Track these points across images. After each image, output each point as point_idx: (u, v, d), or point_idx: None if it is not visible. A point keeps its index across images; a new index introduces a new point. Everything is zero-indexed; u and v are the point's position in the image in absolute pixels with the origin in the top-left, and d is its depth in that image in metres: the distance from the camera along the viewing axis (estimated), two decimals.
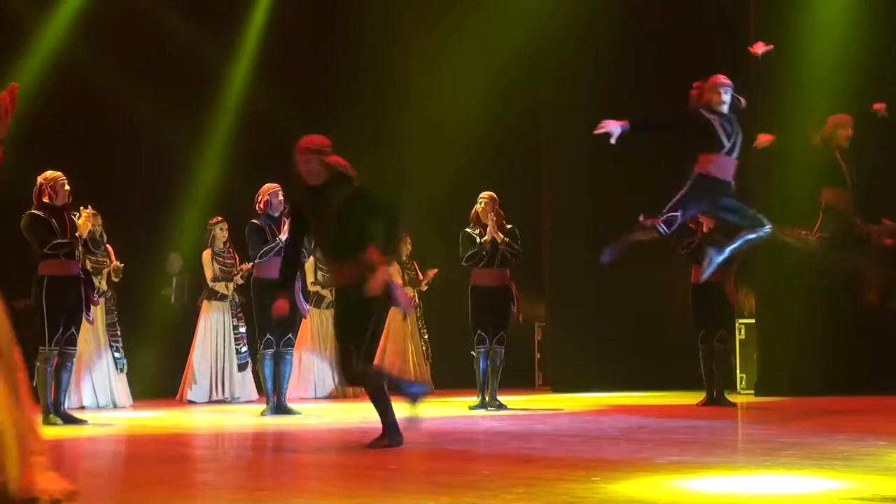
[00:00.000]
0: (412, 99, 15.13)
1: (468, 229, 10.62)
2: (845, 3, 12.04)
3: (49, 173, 9.38)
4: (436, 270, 13.53)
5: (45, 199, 9.29)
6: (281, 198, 10.55)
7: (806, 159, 11.89)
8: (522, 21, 14.09)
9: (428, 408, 11.25)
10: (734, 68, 13.12)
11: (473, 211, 10.66)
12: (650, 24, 13.74)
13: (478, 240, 10.50)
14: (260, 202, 10.54)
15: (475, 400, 10.77)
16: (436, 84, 15.02)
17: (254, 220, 10.54)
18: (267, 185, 10.64)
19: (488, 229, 10.43)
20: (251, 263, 10.85)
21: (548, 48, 14.07)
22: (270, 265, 10.33)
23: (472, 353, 10.57)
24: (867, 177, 11.83)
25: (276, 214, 10.53)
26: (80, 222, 9.47)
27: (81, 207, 9.88)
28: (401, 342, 13.66)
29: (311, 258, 12.91)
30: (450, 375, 13.94)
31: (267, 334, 10.37)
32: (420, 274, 13.68)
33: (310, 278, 12.90)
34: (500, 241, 10.43)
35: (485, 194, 10.69)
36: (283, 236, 10.30)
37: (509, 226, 10.55)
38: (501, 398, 10.59)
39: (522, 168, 14.26)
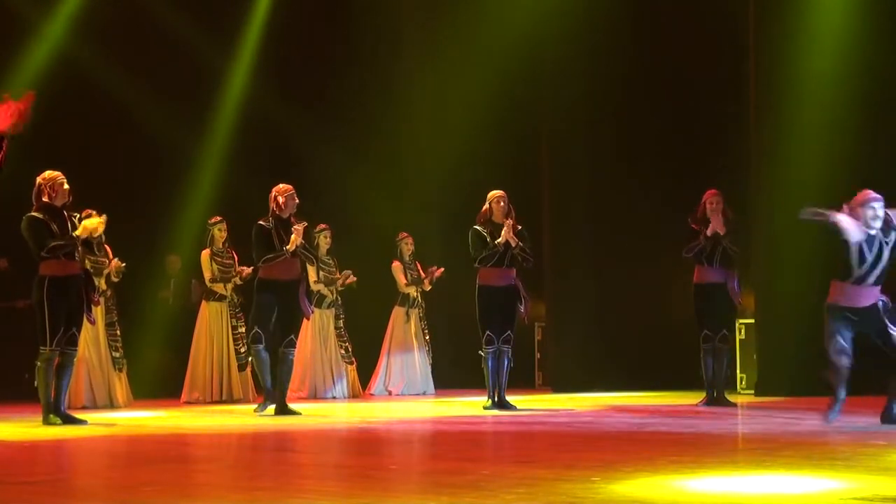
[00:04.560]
0: (412, 99, 15.12)
1: (478, 227, 10.53)
2: (845, 14, 12.01)
3: (48, 173, 9.35)
4: (441, 270, 13.51)
5: (45, 199, 9.26)
6: (296, 200, 10.40)
7: (805, 164, 11.90)
8: (522, 22, 14.07)
9: (429, 408, 11.27)
10: (733, 70, 13.18)
11: (484, 209, 10.55)
12: (650, 27, 13.73)
13: (488, 239, 10.43)
14: (277, 202, 10.27)
15: (481, 401, 10.74)
16: (436, 84, 15.02)
17: (261, 222, 10.30)
18: (283, 186, 10.36)
19: (503, 233, 10.34)
20: (251, 268, 10.74)
21: (548, 49, 14.05)
22: (275, 266, 10.27)
23: (481, 353, 10.51)
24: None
25: (286, 216, 10.37)
26: (90, 225, 9.38)
27: (94, 212, 9.85)
28: (405, 343, 13.64)
29: None
30: (451, 375, 13.94)
31: (255, 328, 10.28)
32: (423, 273, 13.66)
33: (312, 277, 12.88)
34: (514, 245, 10.37)
35: (497, 193, 10.55)
36: (290, 246, 10.17)
37: (519, 227, 10.49)
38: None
39: (522, 168, 14.25)
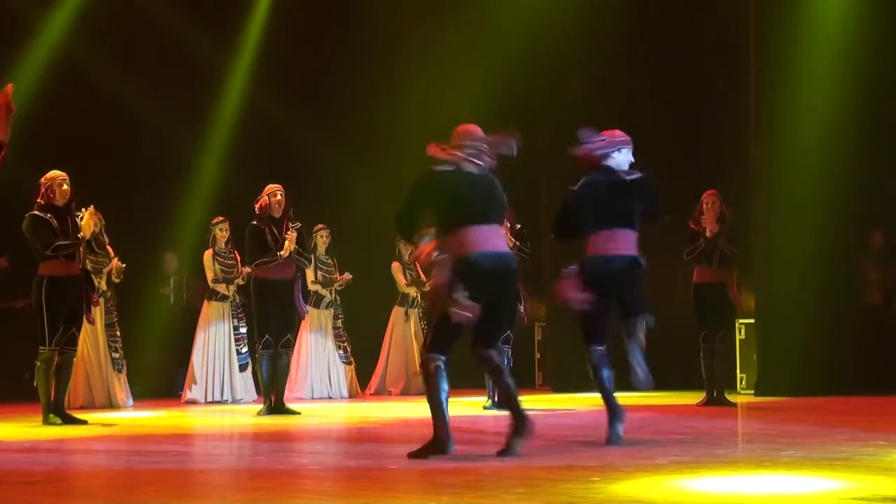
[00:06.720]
0: (412, 98, 15.11)
1: None
2: (844, 14, 12.02)
3: (51, 173, 9.35)
4: None
5: (40, 200, 9.26)
6: (279, 198, 10.45)
7: (805, 164, 11.91)
8: (521, 24, 14.07)
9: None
10: (732, 71, 13.18)
11: None
12: (648, 28, 13.72)
13: None
14: (258, 203, 10.46)
15: (480, 401, 10.73)
16: (434, 84, 15.01)
17: (254, 223, 10.43)
18: (268, 186, 10.56)
19: None
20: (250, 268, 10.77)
21: (546, 50, 14.06)
22: (270, 267, 10.30)
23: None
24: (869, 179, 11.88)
25: (278, 216, 10.42)
26: (83, 223, 9.44)
27: (83, 208, 9.85)
28: (404, 343, 13.63)
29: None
30: (451, 375, 13.90)
31: (266, 335, 10.35)
32: (422, 274, 13.65)
33: (310, 278, 12.88)
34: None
35: None
36: (284, 252, 10.22)
37: (518, 225, 10.48)
38: None
39: (522, 167, 14.23)
